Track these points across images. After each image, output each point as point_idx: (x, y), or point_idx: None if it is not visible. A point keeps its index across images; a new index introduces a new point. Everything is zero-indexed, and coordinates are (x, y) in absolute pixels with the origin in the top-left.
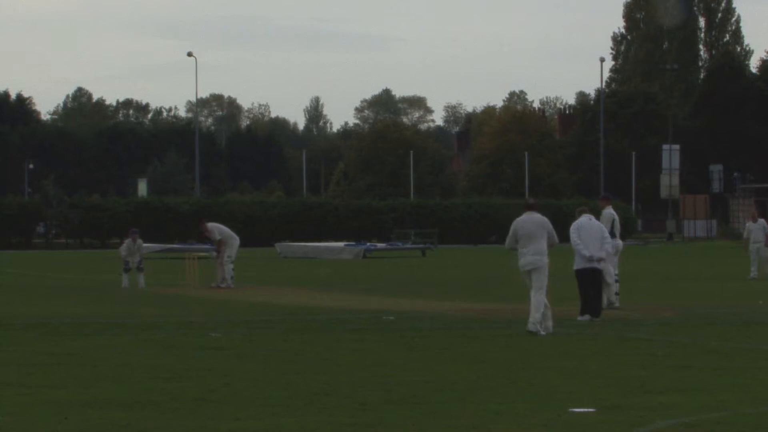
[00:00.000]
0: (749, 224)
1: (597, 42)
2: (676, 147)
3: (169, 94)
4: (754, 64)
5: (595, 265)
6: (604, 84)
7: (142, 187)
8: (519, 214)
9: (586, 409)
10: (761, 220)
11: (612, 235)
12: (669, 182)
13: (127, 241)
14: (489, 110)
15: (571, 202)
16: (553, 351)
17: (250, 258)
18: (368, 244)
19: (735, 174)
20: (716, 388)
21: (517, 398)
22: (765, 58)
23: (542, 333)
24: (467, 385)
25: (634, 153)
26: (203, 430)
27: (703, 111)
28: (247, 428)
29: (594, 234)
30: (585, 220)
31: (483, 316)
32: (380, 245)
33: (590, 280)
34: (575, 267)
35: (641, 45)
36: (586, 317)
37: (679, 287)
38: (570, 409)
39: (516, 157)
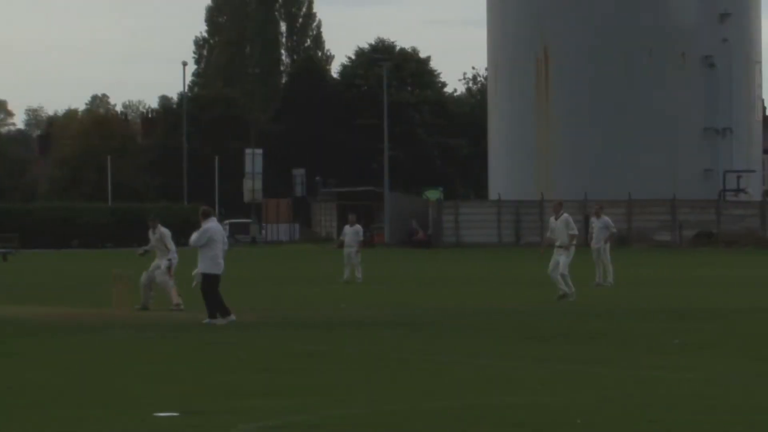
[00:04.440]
0: (593, 220)
1: (179, 45)
2: (259, 151)
3: None
4: (335, 70)
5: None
6: (186, 88)
7: None
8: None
9: (170, 414)
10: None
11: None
12: (252, 186)
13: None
14: (71, 113)
15: (155, 206)
16: (137, 356)
17: None
18: None
19: (317, 178)
20: (300, 390)
21: (101, 403)
22: (346, 63)
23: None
24: (49, 391)
25: (217, 157)
26: None
27: (285, 115)
28: None
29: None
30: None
31: (65, 321)
32: None
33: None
34: None
35: (223, 49)
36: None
37: (261, 291)
38: (154, 414)
39: (98, 161)
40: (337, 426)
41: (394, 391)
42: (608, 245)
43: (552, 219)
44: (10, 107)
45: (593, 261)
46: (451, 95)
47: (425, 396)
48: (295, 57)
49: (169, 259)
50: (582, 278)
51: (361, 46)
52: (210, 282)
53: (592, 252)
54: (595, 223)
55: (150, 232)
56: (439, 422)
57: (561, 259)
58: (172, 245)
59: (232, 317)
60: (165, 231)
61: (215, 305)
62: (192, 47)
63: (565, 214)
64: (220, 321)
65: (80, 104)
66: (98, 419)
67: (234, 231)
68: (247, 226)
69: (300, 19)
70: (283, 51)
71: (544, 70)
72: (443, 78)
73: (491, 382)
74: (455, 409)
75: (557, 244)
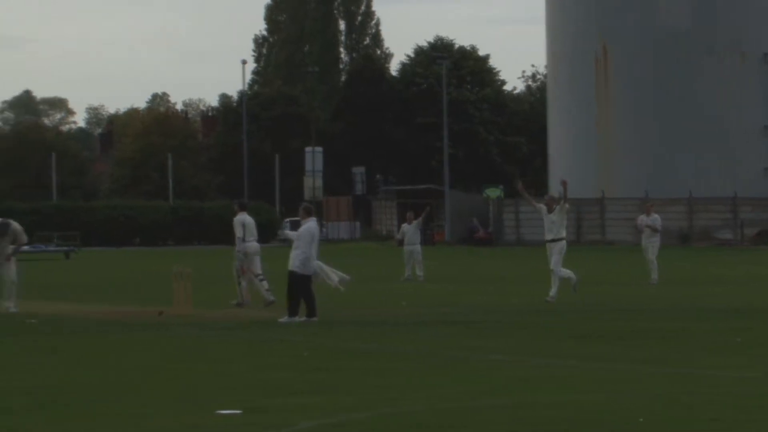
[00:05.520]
0: (642, 217)
1: (239, 44)
2: (319, 149)
3: None
4: (394, 68)
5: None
6: (246, 86)
7: None
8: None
9: (232, 411)
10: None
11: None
12: (312, 184)
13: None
14: (132, 112)
15: (215, 204)
16: (198, 354)
17: None
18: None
19: (377, 176)
20: (358, 388)
21: (163, 400)
22: (405, 61)
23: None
24: (111, 387)
25: (277, 155)
26: None
27: (345, 114)
28: None
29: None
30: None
31: (126, 319)
32: (24, 247)
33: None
34: None
35: (282, 47)
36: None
37: (322, 289)
38: (217, 411)
39: (159, 159)
40: (393, 423)
41: (449, 389)
42: (657, 243)
43: (543, 209)
44: (71, 106)
45: (647, 259)
46: (510, 93)
47: (480, 394)
48: (354, 55)
49: (239, 251)
50: (635, 277)
51: (419, 44)
52: (289, 279)
53: (643, 251)
54: (645, 221)
55: None
56: (494, 420)
57: (554, 255)
58: (239, 232)
59: (296, 319)
60: (237, 219)
61: (296, 304)
62: (252, 45)
63: (558, 208)
64: (297, 319)
65: (141, 102)
66: (161, 416)
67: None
68: None
69: (359, 17)
70: (342, 49)
71: (603, 67)
72: (502, 76)
73: (547, 380)
74: (510, 408)
75: (549, 238)
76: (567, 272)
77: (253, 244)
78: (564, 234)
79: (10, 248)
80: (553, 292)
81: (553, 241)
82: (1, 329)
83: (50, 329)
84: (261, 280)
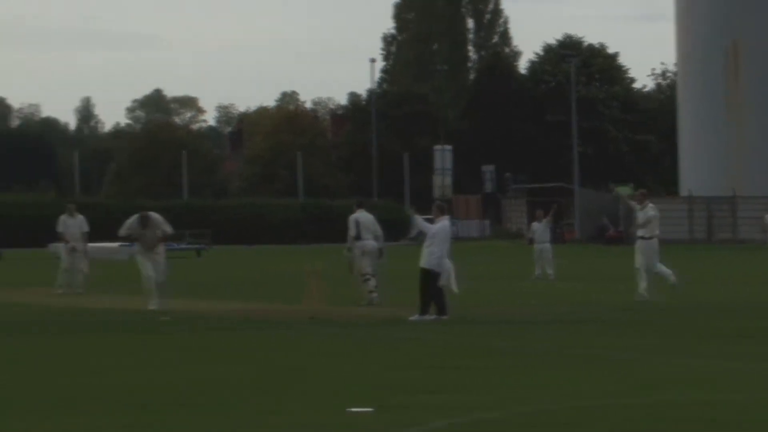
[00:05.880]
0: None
1: (367, 42)
2: (449, 147)
3: None
4: (522, 66)
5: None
6: (375, 84)
7: None
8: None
9: (364, 409)
10: None
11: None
12: (442, 183)
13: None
14: (262, 111)
15: (344, 203)
16: (329, 351)
17: (24, 259)
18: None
19: (507, 174)
20: (489, 387)
21: (295, 398)
22: (533, 59)
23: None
24: (244, 385)
25: (406, 154)
26: None
27: (474, 112)
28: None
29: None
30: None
31: (258, 317)
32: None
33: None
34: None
35: (411, 46)
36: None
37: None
38: (348, 409)
39: (289, 157)
40: (526, 422)
41: (582, 388)
42: None
43: (637, 207)
44: (201, 104)
45: None
46: (639, 91)
47: (612, 393)
48: (482, 53)
49: (351, 249)
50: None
51: (548, 41)
52: (422, 277)
53: None
54: None
55: None
56: (628, 419)
57: (650, 255)
58: (352, 231)
59: (427, 317)
60: (352, 217)
61: (428, 302)
62: (380, 44)
63: (650, 205)
64: (428, 317)
65: (270, 101)
66: (292, 414)
67: None
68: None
69: (487, 16)
70: (470, 47)
71: (734, 63)
72: (632, 74)
73: (682, 379)
74: (645, 406)
75: (638, 235)
76: (644, 281)
77: (369, 242)
78: (650, 233)
79: (159, 233)
80: (642, 287)
81: (642, 238)
82: (137, 327)
83: (185, 327)
84: (367, 280)
